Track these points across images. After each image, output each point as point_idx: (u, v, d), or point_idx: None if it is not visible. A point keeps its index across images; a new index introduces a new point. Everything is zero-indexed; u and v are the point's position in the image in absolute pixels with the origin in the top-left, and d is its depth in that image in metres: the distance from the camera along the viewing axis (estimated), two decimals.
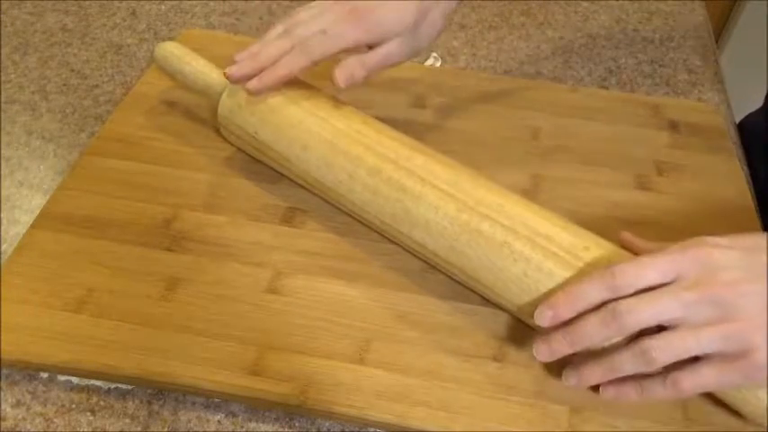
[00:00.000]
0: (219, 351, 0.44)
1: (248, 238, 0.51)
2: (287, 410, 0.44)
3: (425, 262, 0.49)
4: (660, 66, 0.72)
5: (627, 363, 0.39)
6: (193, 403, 0.44)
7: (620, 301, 0.39)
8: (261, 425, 0.44)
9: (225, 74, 0.51)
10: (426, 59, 0.72)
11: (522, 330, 0.46)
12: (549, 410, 0.42)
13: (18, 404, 0.44)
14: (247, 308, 0.47)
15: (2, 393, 0.44)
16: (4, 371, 0.45)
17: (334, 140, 0.49)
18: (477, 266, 0.45)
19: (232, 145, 0.57)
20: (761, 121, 0.68)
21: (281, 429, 0.43)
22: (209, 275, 0.48)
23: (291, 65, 0.50)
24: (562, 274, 0.42)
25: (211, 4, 0.78)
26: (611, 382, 0.42)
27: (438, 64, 0.71)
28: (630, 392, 0.41)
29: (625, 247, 0.45)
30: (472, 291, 0.48)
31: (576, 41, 0.75)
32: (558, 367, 0.44)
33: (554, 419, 0.42)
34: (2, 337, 0.44)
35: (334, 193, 0.50)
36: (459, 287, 0.48)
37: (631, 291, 0.39)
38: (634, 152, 0.59)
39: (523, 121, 0.61)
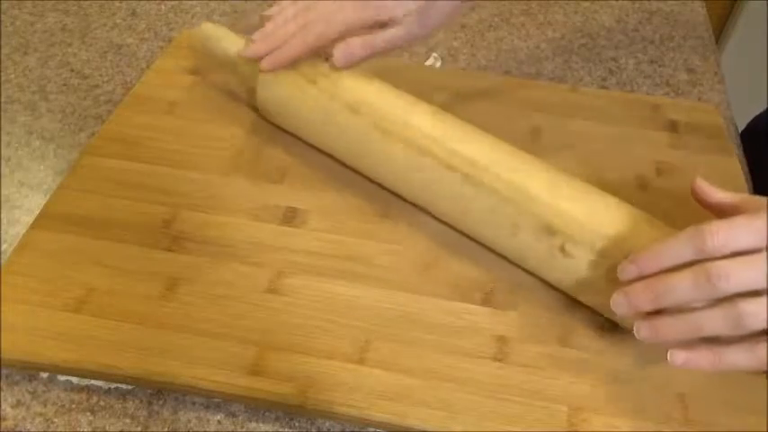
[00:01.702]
0: (219, 351, 0.44)
1: (248, 238, 0.51)
2: (287, 410, 0.44)
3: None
4: (660, 66, 0.72)
5: (715, 323, 0.37)
6: (193, 403, 0.44)
7: (715, 263, 0.37)
8: (261, 425, 0.44)
9: (239, 54, 0.56)
10: (426, 59, 0.72)
11: (522, 330, 0.46)
12: (549, 410, 0.42)
13: (18, 404, 0.44)
14: (247, 308, 0.47)
15: (2, 393, 0.44)
16: (4, 371, 0.45)
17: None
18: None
19: (260, 113, 0.58)
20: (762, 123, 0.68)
21: (281, 429, 0.43)
22: (210, 275, 0.48)
23: (297, 47, 0.53)
24: None
25: (211, 4, 0.78)
26: (683, 347, 0.39)
27: (438, 64, 0.71)
28: (705, 359, 0.38)
29: (698, 195, 0.45)
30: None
31: (575, 41, 0.75)
32: (556, 368, 0.44)
33: (554, 419, 0.42)
34: (2, 337, 0.44)
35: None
36: (460, 287, 0.48)
37: (721, 253, 0.37)
38: (634, 152, 0.59)
39: (523, 121, 0.61)
